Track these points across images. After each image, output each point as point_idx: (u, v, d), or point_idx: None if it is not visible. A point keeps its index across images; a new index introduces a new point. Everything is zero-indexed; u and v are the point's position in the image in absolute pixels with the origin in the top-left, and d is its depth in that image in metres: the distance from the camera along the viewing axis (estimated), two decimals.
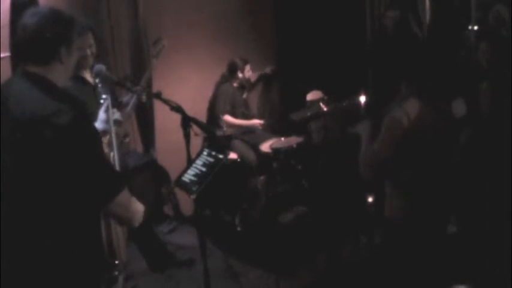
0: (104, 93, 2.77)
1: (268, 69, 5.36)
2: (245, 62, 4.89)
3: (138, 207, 1.90)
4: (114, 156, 2.48)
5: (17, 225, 1.70)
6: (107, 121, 2.59)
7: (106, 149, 2.92)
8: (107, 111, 2.60)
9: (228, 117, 4.77)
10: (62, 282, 1.73)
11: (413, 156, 2.42)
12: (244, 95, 5.10)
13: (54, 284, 1.73)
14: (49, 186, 1.66)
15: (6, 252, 1.69)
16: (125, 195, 1.78)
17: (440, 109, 2.49)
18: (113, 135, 2.50)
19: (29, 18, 1.71)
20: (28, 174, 1.66)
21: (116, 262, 1.90)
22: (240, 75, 4.86)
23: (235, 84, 4.90)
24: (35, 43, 1.70)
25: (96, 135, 1.80)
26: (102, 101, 2.64)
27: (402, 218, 2.50)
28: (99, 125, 2.61)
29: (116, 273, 1.88)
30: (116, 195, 1.74)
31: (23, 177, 1.67)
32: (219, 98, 4.80)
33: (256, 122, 4.91)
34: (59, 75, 1.76)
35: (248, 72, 4.94)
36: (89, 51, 3.05)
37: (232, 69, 4.86)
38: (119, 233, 1.99)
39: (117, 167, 2.40)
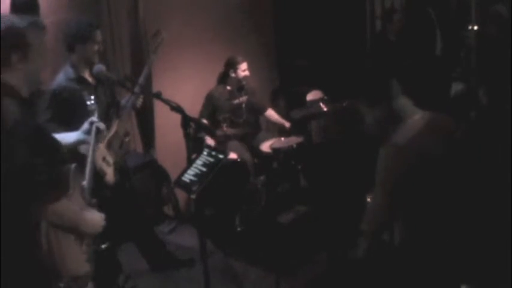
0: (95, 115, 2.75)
1: None
2: (239, 61, 4.51)
3: (87, 216, 1.92)
4: (88, 168, 2.26)
5: None
6: (88, 132, 2.59)
7: (105, 154, 2.91)
8: (91, 124, 2.59)
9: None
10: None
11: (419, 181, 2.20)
12: (239, 100, 4.61)
13: None
14: None
15: None
16: (61, 204, 1.81)
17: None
18: (91, 148, 2.43)
19: None
20: None
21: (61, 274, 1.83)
22: (232, 74, 4.55)
23: (228, 87, 4.59)
24: None
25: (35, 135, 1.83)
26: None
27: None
28: (79, 134, 2.62)
29: (61, 285, 1.82)
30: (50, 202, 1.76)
31: None
32: (204, 101, 4.59)
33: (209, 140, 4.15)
34: (15, 78, 1.84)
35: (243, 72, 4.53)
36: (96, 47, 3.07)
37: (226, 68, 4.59)
38: (68, 242, 1.88)
39: (88, 180, 2.19)
